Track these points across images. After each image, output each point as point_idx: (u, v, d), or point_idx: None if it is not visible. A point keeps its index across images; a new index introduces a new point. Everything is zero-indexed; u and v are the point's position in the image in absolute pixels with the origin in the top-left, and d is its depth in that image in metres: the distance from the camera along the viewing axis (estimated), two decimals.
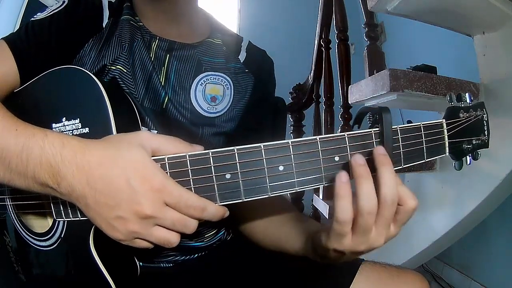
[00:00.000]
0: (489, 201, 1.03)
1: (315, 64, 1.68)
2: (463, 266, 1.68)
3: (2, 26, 1.59)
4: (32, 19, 0.54)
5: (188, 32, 0.62)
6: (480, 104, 0.44)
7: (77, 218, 0.42)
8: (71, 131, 0.44)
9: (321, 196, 1.31)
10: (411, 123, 0.40)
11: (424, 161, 0.39)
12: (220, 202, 0.37)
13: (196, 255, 0.64)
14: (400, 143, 0.39)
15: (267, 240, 0.58)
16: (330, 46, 1.60)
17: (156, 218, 0.36)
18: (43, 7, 0.56)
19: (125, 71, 0.55)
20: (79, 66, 0.53)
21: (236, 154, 0.36)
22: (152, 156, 0.37)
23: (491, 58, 1.03)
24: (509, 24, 0.96)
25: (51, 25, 0.53)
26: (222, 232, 0.67)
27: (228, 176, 0.36)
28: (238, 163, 0.36)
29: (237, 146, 0.36)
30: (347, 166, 0.37)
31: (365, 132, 0.38)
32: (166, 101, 0.57)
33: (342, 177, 0.34)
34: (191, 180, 0.37)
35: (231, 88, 0.62)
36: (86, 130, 0.44)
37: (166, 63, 0.58)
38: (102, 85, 0.44)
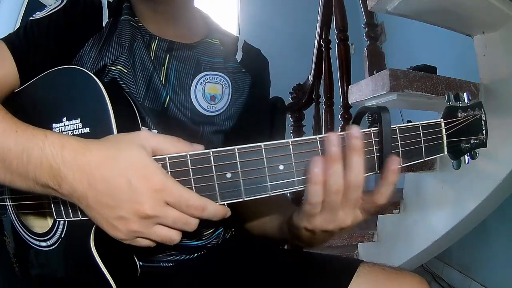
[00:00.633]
0: (489, 201, 1.03)
1: (315, 64, 1.68)
2: (463, 266, 1.68)
3: (2, 26, 1.59)
4: (31, 18, 0.54)
5: (186, 33, 0.62)
6: (478, 104, 0.44)
7: (78, 218, 0.42)
8: (71, 131, 0.44)
9: None
10: (411, 123, 0.41)
11: (423, 160, 0.40)
12: (221, 201, 0.37)
13: (196, 254, 0.64)
14: (399, 143, 0.39)
15: (254, 224, 0.61)
16: (330, 46, 1.60)
17: (157, 217, 0.36)
18: (43, 7, 0.56)
19: (126, 71, 0.55)
20: (79, 66, 0.53)
21: (236, 153, 0.36)
22: (153, 156, 0.37)
23: (491, 58, 1.03)
24: (509, 24, 0.96)
25: (50, 25, 0.53)
26: (220, 230, 0.67)
27: (228, 175, 0.36)
28: (238, 163, 0.36)
29: (235, 144, 0.37)
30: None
31: (364, 131, 0.38)
32: (167, 100, 0.57)
33: (318, 164, 0.36)
34: (192, 179, 0.37)
35: (229, 87, 0.63)
36: (87, 130, 0.44)
37: (166, 63, 0.59)
38: (103, 85, 0.44)
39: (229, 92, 0.63)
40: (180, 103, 0.58)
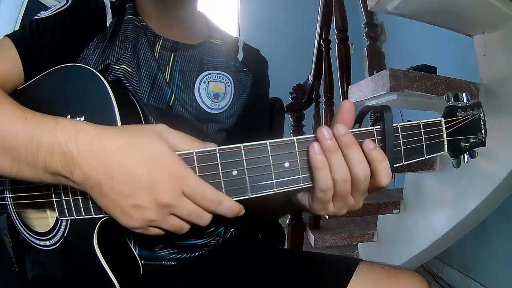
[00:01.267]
0: (489, 201, 1.04)
1: (315, 64, 1.68)
2: (463, 266, 1.69)
3: (2, 26, 1.59)
4: (36, 17, 0.54)
5: (190, 34, 0.64)
6: (477, 104, 0.45)
7: (81, 216, 0.42)
8: None
9: None
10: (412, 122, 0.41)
11: (424, 157, 0.40)
12: None
13: (197, 253, 0.64)
14: (401, 141, 0.39)
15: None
16: (330, 46, 1.60)
17: (173, 207, 0.35)
18: (43, 7, 0.56)
19: (130, 70, 0.56)
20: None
21: (242, 150, 0.36)
22: None
23: (491, 58, 1.04)
24: (509, 24, 0.97)
25: (55, 24, 0.53)
26: (221, 229, 0.68)
27: (234, 172, 0.36)
28: (244, 160, 0.36)
29: (236, 142, 0.37)
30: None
31: (367, 129, 0.38)
32: (172, 99, 0.58)
33: (316, 149, 0.36)
34: (198, 176, 0.36)
35: (231, 86, 0.64)
36: None
37: (170, 62, 0.60)
38: (107, 83, 0.44)
39: (231, 90, 0.64)
40: (185, 101, 0.59)
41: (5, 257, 0.54)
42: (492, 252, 1.52)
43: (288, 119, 1.76)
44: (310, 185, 0.37)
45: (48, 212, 0.49)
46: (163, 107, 0.57)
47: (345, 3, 1.43)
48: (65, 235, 0.45)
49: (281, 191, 0.37)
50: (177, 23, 0.62)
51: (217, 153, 0.36)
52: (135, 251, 0.52)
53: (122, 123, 0.43)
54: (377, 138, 0.38)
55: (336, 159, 0.36)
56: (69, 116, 0.44)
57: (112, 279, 0.44)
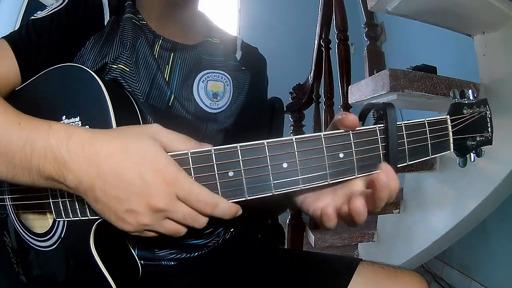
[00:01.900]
0: (489, 201, 1.03)
1: (315, 64, 1.68)
2: (463, 266, 1.68)
3: (2, 26, 1.58)
4: (32, 17, 0.54)
5: (189, 34, 0.63)
6: (484, 101, 0.44)
7: (77, 218, 0.41)
8: None
9: None
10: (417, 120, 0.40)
11: (429, 157, 0.39)
12: None
13: (197, 253, 0.64)
14: (405, 140, 0.38)
15: None
16: (330, 46, 1.60)
17: (167, 211, 0.35)
18: (44, 7, 0.56)
19: (128, 69, 0.55)
20: (80, 64, 0.52)
21: (239, 151, 0.35)
22: None
23: (491, 58, 1.03)
24: (509, 24, 0.96)
25: (52, 24, 0.53)
26: (220, 230, 0.67)
27: (231, 173, 0.35)
28: (241, 161, 0.35)
29: (235, 141, 0.36)
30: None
31: (370, 128, 0.37)
32: (172, 99, 0.57)
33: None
34: (193, 178, 0.36)
35: (230, 85, 0.64)
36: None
37: (170, 62, 0.59)
38: (103, 83, 0.44)
39: (230, 89, 0.64)
40: (184, 101, 0.59)
41: (5, 258, 0.53)
42: (492, 252, 1.51)
43: (288, 119, 1.76)
44: (310, 186, 0.36)
45: (46, 213, 0.48)
46: (162, 107, 0.57)
47: (345, 3, 1.43)
48: (62, 236, 0.45)
49: (279, 192, 0.36)
50: (178, 23, 0.61)
51: (213, 154, 0.35)
52: (134, 252, 0.52)
53: (118, 124, 0.42)
54: (380, 137, 0.37)
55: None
56: (64, 117, 0.44)
57: (109, 280, 0.43)
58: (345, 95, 1.33)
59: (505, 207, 1.15)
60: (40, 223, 0.49)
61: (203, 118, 0.60)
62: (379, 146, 0.37)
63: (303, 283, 0.57)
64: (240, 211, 0.37)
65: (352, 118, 0.36)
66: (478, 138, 0.42)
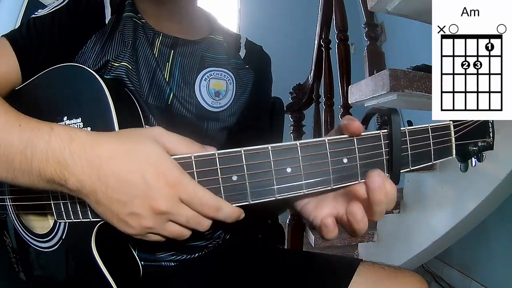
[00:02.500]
0: (489, 201, 1.04)
1: (315, 64, 1.68)
2: (463, 266, 1.69)
3: (2, 25, 1.58)
4: (33, 16, 0.53)
5: (190, 29, 0.63)
6: None
7: (79, 219, 0.41)
8: None
9: None
10: (411, 123, 0.40)
11: (431, 163, 0.39)
12: None
13: (197, 254, 0.64)
14: (408, 145, 0.38)
15: None
16: (330, 46, 1.60)
17: (170, 214, 0.35)
18: (44, 7, 0.55)
19: (130, 67, 0.55)
20: (81, 63, 0.52)
21: (243, 155, 0.35)
22: None
23: None
24: None
25: (52, 22, 0.52)
26: (220, 231, 0.67)
27: (234, 178, 0.35)
28: (245, 165, 0.35)
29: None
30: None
31: (373, 133, 0.37)
32: (171, 97, 0.57)
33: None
34: (196, 181, 0.35)
35: (233, 83, 0.63)
36: (88, 129, 0.43)
37: (170, 59, 0.59)
38: (104, 83, 0.43)
39: (233, 88, 0.63)
40: (185, 99, 0.58)
41: (6, 258, 0.53)
42: (492, 252, 1.52)
43: (288, 119, 1.76)
44: (314, 191, 0.36)
45: (47, 214, 0.48)
46: (162, 106, 0.56)
47: (345, 3, 1.43)
48: (63, 237, 0.45)
49: (282, 197, 0.36)
50: (177, 19, 0.61)
51: (217, 158, 0.35)
52: (135, 252, 0.52)
53: (120, 124, 0.42)
54: (383, 143, 0.37)
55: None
56: (66, 117, 0.43)
57: (110, 280, 0.43)
58: (345, 95, 1.33)
59: (505, 207, 1.16)
60: (41, 223, 0.48)
61: (204, 116, 0.59)
62: (382, 151, 0.37)
63: (303, 284, 0.57)
64: (243, 215, 0.37)
65: (357, 125, 0.36)
66: (479, 143, 0.42)
